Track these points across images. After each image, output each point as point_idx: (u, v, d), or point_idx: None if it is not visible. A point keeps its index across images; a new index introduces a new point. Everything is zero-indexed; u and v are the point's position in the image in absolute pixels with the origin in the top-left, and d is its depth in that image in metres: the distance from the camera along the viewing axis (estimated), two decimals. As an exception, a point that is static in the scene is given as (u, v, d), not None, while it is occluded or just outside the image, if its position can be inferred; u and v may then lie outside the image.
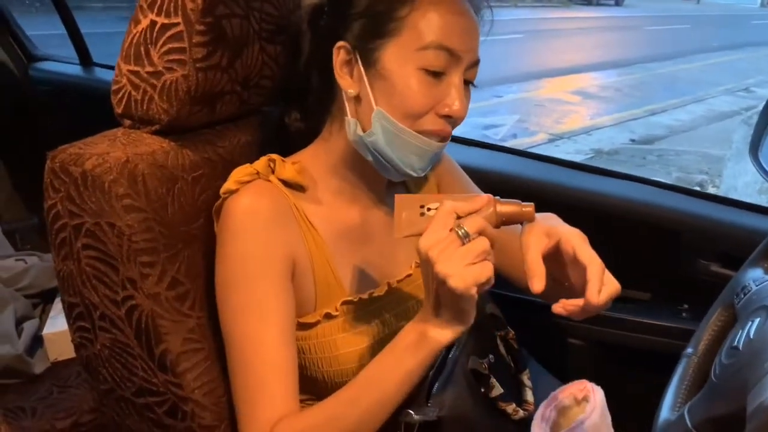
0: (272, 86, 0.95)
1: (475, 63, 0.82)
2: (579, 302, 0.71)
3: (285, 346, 0.80)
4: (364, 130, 0.82)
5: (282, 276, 0.81)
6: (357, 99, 0.82)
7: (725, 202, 1.28)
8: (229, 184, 0.83)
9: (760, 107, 1.21)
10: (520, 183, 1.33)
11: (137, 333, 0.80)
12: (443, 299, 0.70)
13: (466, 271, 0.66)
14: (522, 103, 7.22)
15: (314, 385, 0.88)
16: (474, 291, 0.67)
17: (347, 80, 0.82)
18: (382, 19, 0.79)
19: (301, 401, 0.91)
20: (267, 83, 0.93)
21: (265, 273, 0.80)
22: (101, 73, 1.90)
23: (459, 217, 0.69)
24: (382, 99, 0.80)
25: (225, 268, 0.81)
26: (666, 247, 1.25)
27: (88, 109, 1.42)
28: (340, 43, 0.81)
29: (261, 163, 0.85)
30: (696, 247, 1.22)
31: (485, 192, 1.04)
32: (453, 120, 0.82)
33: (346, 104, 0.83)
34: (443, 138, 0.83)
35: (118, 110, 0.85)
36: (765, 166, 1.27)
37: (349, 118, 0.83)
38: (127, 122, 0.86)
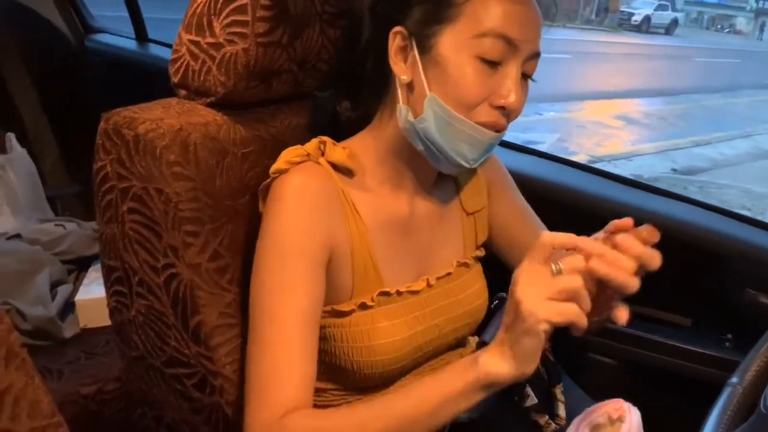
0: (328, 70, 0.94)
1: (535, 55, 0.80)
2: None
3: (307, 331, 0.78)
4: (415, 117, 0.81)
5: (317, 263, 0.80)
6: (410, 86, 0.81)
7: (778, 232, 1.24)
8: (279, 164, 0.82)
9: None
10: (563, 192, 1.30)
11: (174, 302, 0.80)
12: (511, 326, 0.66)
13: (542, 303, 0.63)
14: (563, 123, 7.16)
15: (342, 375, 0.87)
16: (542, 327, 0.63)
17: (401, 66, 0.81)
18: (441, 4, 0.78)
19: (326, 391, 0.90)
20: (323, 67, 0.93)
21: (301, 255, 0.78)
22: (156, 50, 1.92)
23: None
24: (435, 86, 0.79)
25: (263, 244, 0.80)
26: (713, 273, 1.21)
27: (141, 84, 1.43)
28: (397, 29, 0.80)
29: (312, 145, 0.84)
30: (745, 275, 1.18)
31: (529, 199, 1.02)
32: (507, 113, 0.80)
33: (399, 91, 0.82)
34: (498, 130, 0.80)
35: (175, 79, 0.85)
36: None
37: (401, 105, 0.82)
38: (183, 92, 0.86)
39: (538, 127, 6.63)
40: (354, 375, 0.86)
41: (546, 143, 6.15)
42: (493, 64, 0.77)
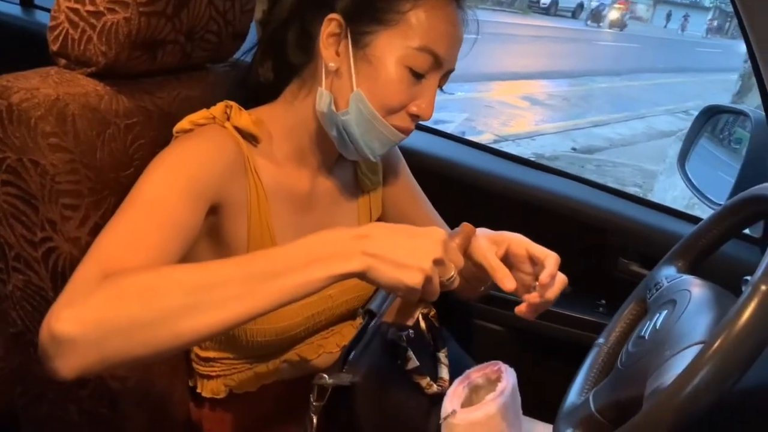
0: (217, 42, 0.93)
1: (451, 71, 0.86)
2: (536, 295, 0.86)
3: (165, 237, 0.71)
4: (336, 107, 0.82)
5: (197, 199, 0.76)
6: (336, 73, 0.82)
7: (650, 206, 1.34)
8: (183, 124, 0.81)
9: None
10: (457, 169, 1.35)
11: (53, 276, 0.78)
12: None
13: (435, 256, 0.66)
14: (472, 103, 7.31)
15: (235, 343, 0.88)
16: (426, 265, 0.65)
17: (331, 53, 0.82)
18: (383, 6, 0.80)
19: (218, 360, 0.91)
20: (212, 38, 0.92)
21: (186, 180, 0.75)
22: (42, 17, 1.81)
23: None
24: (363, 83, 0.81)
25: (147, 168, 0.76)
26: (591, 244, 1.30)
27: (24, 52, 1.35)
28: (334, 16, 0.81)
29: (218, 108, 0.83)
30: (619, 245, 1.27)
31: (419, 177, 1.07)
32: (419, 119, 0.85)
33: (324, 76, 0.83)
34: (406, 133, 0.85)
35: (54, 48, 0.82)
36: (690, 175, 1.33)
37: (323, 90, 0.83)
38: (62, 62, 0.83)
39: (448, 106, 6.74)
40: (246, 343, 0.87)
41: (455, 122, 6.28)
42: (418, 76, 0.81)
